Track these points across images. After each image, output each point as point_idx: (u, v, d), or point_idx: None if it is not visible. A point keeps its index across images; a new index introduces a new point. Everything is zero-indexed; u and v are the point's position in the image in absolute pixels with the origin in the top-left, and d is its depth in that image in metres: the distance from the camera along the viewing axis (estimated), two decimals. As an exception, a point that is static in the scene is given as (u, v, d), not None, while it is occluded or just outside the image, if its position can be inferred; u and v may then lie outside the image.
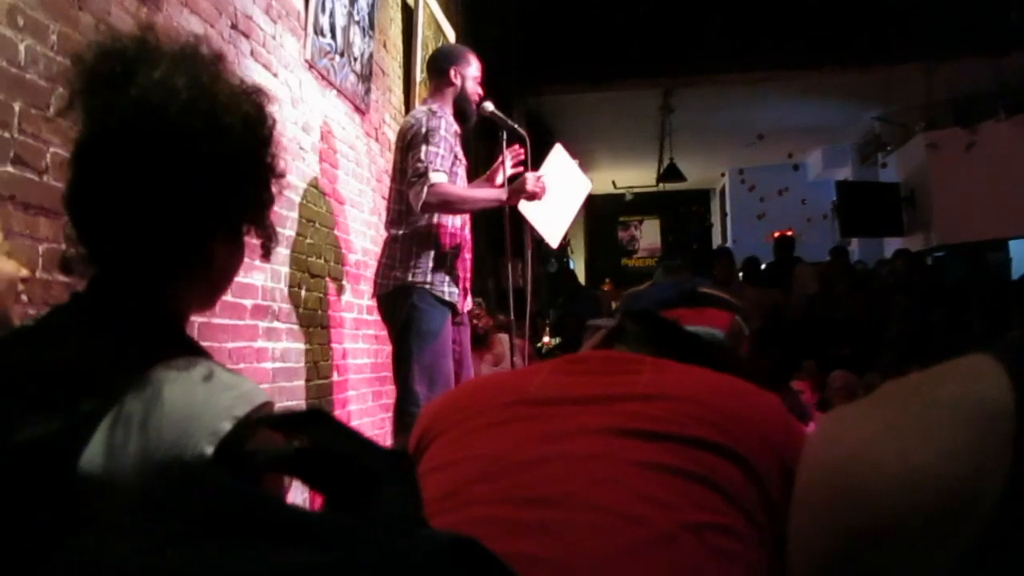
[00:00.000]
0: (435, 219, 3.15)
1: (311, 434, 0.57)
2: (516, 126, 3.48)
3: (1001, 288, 7.36)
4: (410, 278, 3.10)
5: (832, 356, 6.63)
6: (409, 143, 3.13)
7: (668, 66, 7.68)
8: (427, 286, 3.10)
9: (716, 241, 13.25)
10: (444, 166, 3.06)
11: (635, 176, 11.55)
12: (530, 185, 3.16)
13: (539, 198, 3.21)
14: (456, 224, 3.22)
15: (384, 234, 3.32)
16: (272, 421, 0.59)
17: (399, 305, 3.12)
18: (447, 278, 3.15)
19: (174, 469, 0.79)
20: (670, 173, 9.36)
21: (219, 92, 0.97)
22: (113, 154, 0.93)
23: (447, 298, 3.14)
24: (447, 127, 3.13)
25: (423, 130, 3.10)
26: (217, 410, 0.86)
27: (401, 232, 3.17)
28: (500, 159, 3.38)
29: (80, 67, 0.96)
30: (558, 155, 3.49)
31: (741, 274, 8.47)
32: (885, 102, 8.87)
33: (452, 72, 3.29)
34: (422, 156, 3.04)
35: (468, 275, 3.31)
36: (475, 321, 4.94)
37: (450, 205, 3.11)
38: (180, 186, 0.94)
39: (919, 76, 7.64)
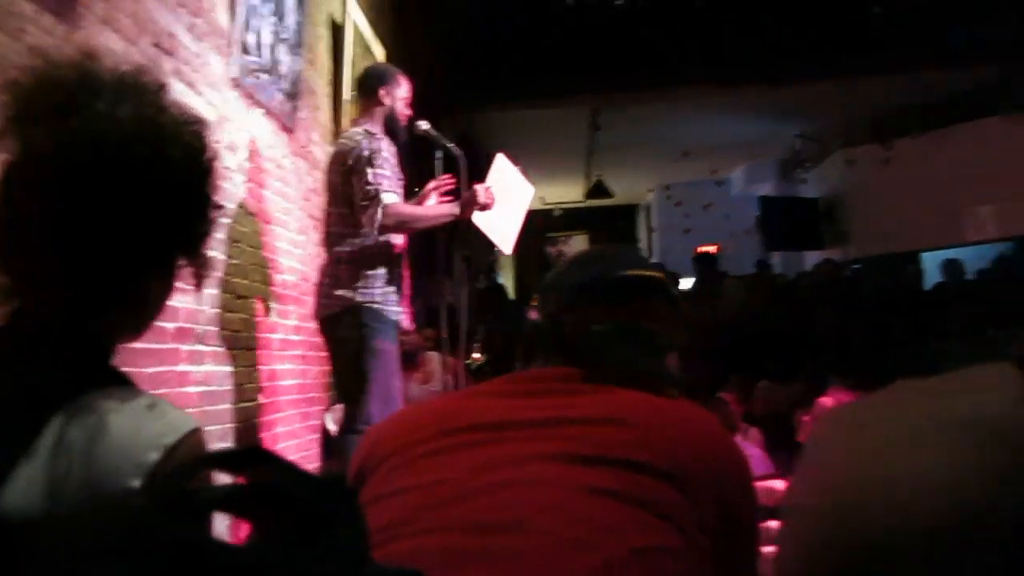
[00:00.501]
0: (381, 239, 3.15)
1: (254, 472, 0.55)
2: (450, 145, 3.49)
3: (915, 298, 7.64)
4: (359, 298, 3.10)
5: (758, 368, 6.78)
6: (352, 167, 3.13)
7: (595, 85, 7.79)
8: (376, 306, 3.11)
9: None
10: (392, 187, 3.09)
11: (563, 192, 11.65)
12: (481, 197, 3.23)
13: (490, 208, 3.27)
14: (399, 243, 3.23)
15: (317, 254, 3.30)
16: (215, 460, 0.57)
17: (349, 325, 3.11)
18: (394, 297, 3.17)
19: (111, 507, 0.76)
20: (597, 190, 9.47)
21: (163, 123, 0.95)
22: (50, 184, 0.90)
23: (394, 317, 3.16)
24: (388, 148, 3.15)
25: (365, 153, 3.10)
26: (144, 440, 0.83)
27: (346, 252, 3.16)
28: (431, 186, 3.40)
29: (17, 95, 0.92)
30: (501, 163, 3.54)
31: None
32: (805, 119, 9.14)
33: (382, 92, 3.30)
34: (370, 179, 3.06)
35: (406, 293, 3.32)
36: (403, 339, 4.91)
37: (406, 224, 3.15)
38: (122, 220, 0.91)
39: (837, 94, 7.89)
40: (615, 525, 0.90)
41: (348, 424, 3.13)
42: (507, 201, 3.50)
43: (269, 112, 3.66)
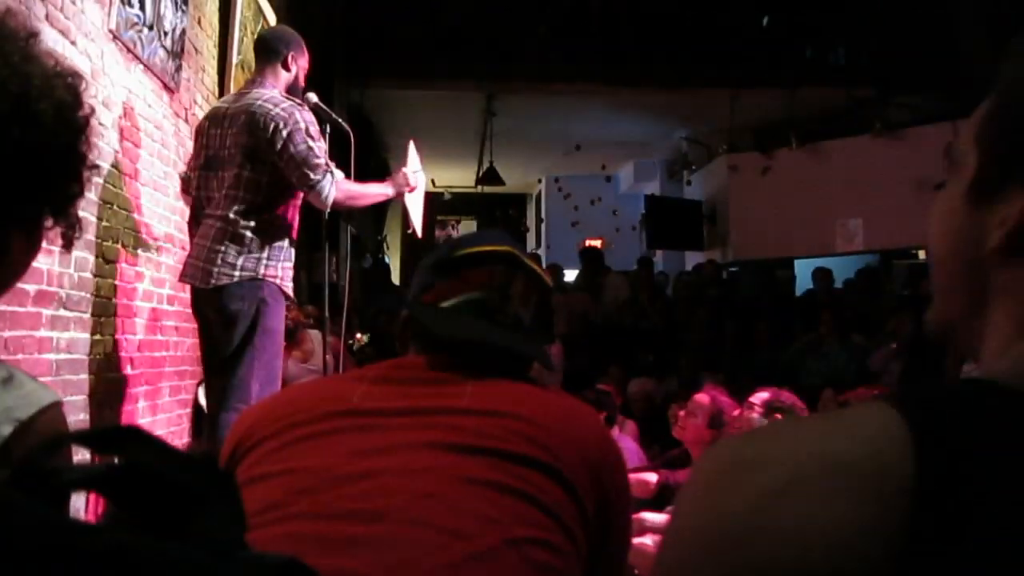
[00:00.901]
0: (288, 212, 3.06)
1: (124, 451, 0.50)
2: (340, 120, 3.41)
3: (787, 303, 7.98)
4: (263, 271, 2.97)
5: (636, 362, 6.95)
6: (286, 138, 2.93)
7: (493, 70, 7.80)
8: (276, 280, 3.01)
9: (531, 245, 13.55)
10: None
11: (455, 176, 11.61)
12: (411, 180, 3.31)
13: (413, 191, 3.38)
14: (297, 217, 3.14)
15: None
16: (80, 438, 0.52)
17: (246, 298, 2.94)
18: (291, 272, 3.09)
19: None
20: (489, 176, 9.47)
21: (31, 74, 0.86)
22: None
23: (288, 292, 3.09)
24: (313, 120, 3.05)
25: (302, 125, 2.95)
26: None
27: (254, 222, 2.97)
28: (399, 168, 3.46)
29: None
30: (413, 152, 3.62)
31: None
32: (693, 123, 9.39)
33: (289, 58, 3.16)
34: (318, 153, 2.94)
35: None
36: (289, 314, 4.79)
37: (353, 199, 3.15)
38: None
39: (724, 102, 8.15)
40: (492, 515, 0.90)
41: (225, 402, 2.95)
42: (419, 187, 3.55)
43: (149, 69, 3.48)
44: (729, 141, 8.93)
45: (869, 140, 7.83)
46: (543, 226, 12.66)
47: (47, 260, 2.65)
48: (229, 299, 2.95)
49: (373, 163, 9.28)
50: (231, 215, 2.99)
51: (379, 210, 10.54)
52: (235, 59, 4.51)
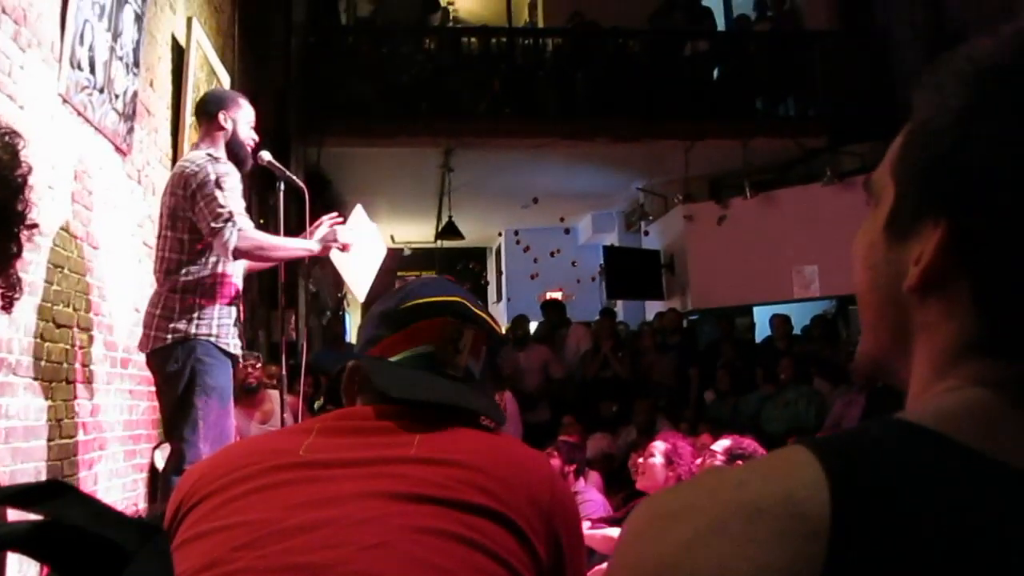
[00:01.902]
0: (219, 268, 3.03)
1: (50, 507, 0.50)
2: (294, 177, 3.42)
3: (747, 349, 8.03)
4: (194, 330, 2.95)
5: (599, 413, 6.94)
6: (196, 191, 2.98)
7: (448, 125, 7.88)
8: (212, 339, 2.97)
9: (492, 298, 13.56)
10: (243, 210, 3.00)
11: (414, 231, 11.64)
12: (341, 237, 3.20)
13: (347, 250, 3.26)
14: (238, 273, 3.12)
15: (150, 283, 3.12)
16: (4, 495, 0.51)
17: (180, 359, 2.94)
18: (231, 330, 3.05)
19: None
20: (448, 230, 9.50)
21: None
22: None
23: (231, 350, 3.04)
24: (236, 172, 3.06)
25: (212, 176, 2.98)
26: None
27: (181, 281, 3.00)
28: (316, 224, 3.33)
29: None
30: (359, 215, 3.56)
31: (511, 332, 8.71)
32: (649, 174, 9.53)
33: (222, 116, 3.18)
34: (222, 202, 2.93)
35: (242, 326, 3.22)
36: (248, 371, 4.71)
37: (263, 250, 3.05)
38: None
39: (679, 153, 8.30)
40: (442, 564, 0.89)
41: (175, 464, 2.94)
42: (362, 250, 3.49)
43: (101, 132, 3.47)
44: (685, 191, 9.06)
45: (821, 188, 7.99)
46: (503, 279, 12.70)
47: (-5, 325, 2.60)
48: (164, 361, 2.99)
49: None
50: (162, 277, 3.06)
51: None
52: (188, 120, 4.51)
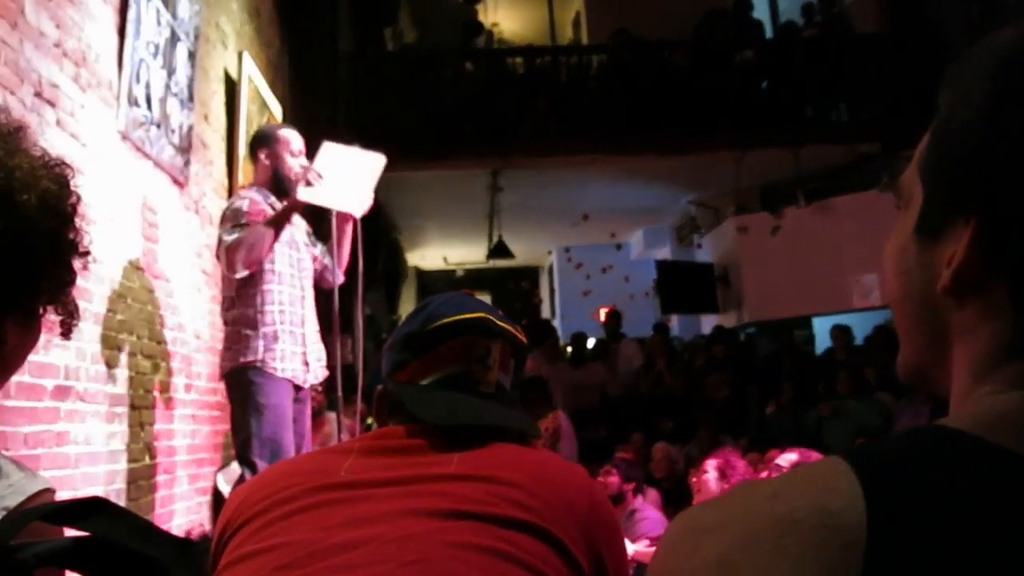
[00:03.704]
0: (258, 299, 3.13)
1: (90, 524, 0.52)
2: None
3: (807, 362, 7.89)
4: (241, 360, 3.10)
5: (656, 429, 6.88)
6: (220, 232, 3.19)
7: (495, 147, 7.91)
8: (259, 364, 3.09)
9: (545, 316, 13.57)
10: (237, 228, 3.09)
11: (465, 253, 11.71)
12: (297, 173, 3.19)
13: (312, 183, 3.15)
14: (282, 299, 3.18)
15: (210, 310, 3.29)
16: (46, 512, 0.54)
17: (238, 385, 3.12)
18: (280, 354, 3.13)
19: None
20: (499, 250, 9.55)
21: (15, 167, 0.91)
22: None
23: (281, 374, 3.13)
24: (252, 205, 3.15)
25: (227, 212, 3.17)
26: None
27: (231, 315, 3.18)
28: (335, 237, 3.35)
29: None
30: (328, 151, 3.32)
31: (569, 348, 8.69)
32: (699, 187, 9.46)
33: (263, 155, 3.31)
34: (220, 234, 3.13)
35: (308, 349, 3.27)
36: (311, 395, 4.80)
37: (252, 246, 3.06)
38: None
39: (729, 164, 8.22)
40: None
41: (236, 484, 3.05)
42: (345, 175, 3.31)
43: (158, 165, 3.59)
44: (736, 203, 8.97)
45: (877, 194, 7.82)
46: (555, 297, 12.69)
47: (63, 355, 2.71)
48: (228, 388, 3.20)
49: (384, 244, 9.40)
50: (222, 313, 3.27)
51: (392, 290, 10.62)
52: (241, 152, 4.63)
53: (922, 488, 0.48)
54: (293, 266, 3.25)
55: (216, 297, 3.91)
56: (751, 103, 8.19)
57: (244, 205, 3.13)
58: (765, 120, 8.06)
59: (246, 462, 3.06)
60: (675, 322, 10.32)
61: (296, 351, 3.19)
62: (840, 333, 7.61)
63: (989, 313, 0.54)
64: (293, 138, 3.35)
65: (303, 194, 3.16)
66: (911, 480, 0.48)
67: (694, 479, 3.48)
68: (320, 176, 3.16)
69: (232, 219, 3.10)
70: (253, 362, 3.08)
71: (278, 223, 3.13)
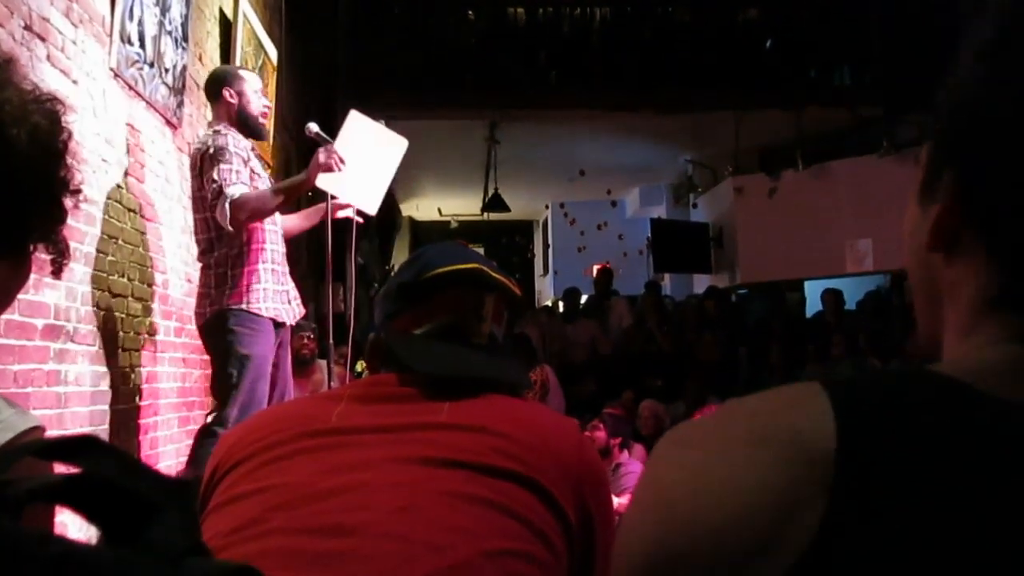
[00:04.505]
0: (244, 239, 3.11)
1: (81, 461, 0.52)
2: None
3: (797, 325, 7.93)
4: (225, 302, 3.06)
5: (645, 387, 6.93)
6: (201, 168, 3.09)
7: (494, 97, 7.84)
8: (244, 305, 3.06)
9: (538, 271, 13.57)
10: (240, 179, 3.04)
11: (461, 204, 11.67)
12: (322, 159, 3.08)
13: (335, 170, 3.10)
14: (266, 239, 3.17)
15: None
16: (36, 449, 0.53)
17: (218, 330, 3.08)
18: (264, 293, 3.11)
19: None
20: (495, 203, 9.51)
21: (5, 100, 0.89)
22: None
23: (266, 314, 3.10)
24: (235, 143, 3.10)
25: (211, 151, 3.05)
26: None
27: (213, 258, 3.13)
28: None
29: None
30: (355, 122, 3.29)
31: (561, 304, 8.71)
32: (697, 146, 9.41)
33: (227, 93, 3.24)
34: (215, 176, 3.01)
35: (288, 286, 3.26)
36: (304, 343, 4.82)
37: (257, 211, 3.07)
38: None
39: (728, 124, 8.16)
40: (468, 527, 0.90)
41: (207, 429, 3.12)
42: (367, 159, 3.30)
43: (151, 106, 3.54)
44: (735, 163, 8.93)
45: (877, 159, 7.80)
46: (550, 252, 12.69)
47: (54, 295, 2.69)
48: (207, 336, 3.17)
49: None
50: (200, 258, 3.21)
51: (386, 240, 10.59)
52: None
53: (894, 417, 0.49)
54: None
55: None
56: (753, 63, 8.10)
57: (228, 143, 3.07)
58: (767, 80, 7.98)
59: (222, 410, 3.06)
60: (667, 281, 10.34)
61: (279, 289, 3.19)
62: (832, 297, 7.64)
63: (971, 268, 0.54)
64: (254, 79, 3.35)
65: (323, 182, 3.15)
66: (884, 409, 0.50)
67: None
68: (343, 162, 3.09)
69: (219, 158, 3.03)
70: (238, 304, 3.05)
71: (286, 196, 3.12)
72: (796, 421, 0.50)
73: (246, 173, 3.09)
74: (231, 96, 3.23)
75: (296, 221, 3.48)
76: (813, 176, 8.33)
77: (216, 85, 3.28)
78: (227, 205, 2.97)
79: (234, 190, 3.00)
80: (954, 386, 0.50)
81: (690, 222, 10.09)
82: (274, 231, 3.22)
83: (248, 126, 3.23)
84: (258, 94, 3.29)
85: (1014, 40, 0.52)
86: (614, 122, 8.40)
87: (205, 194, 3.07)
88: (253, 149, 3.26)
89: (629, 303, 8.30)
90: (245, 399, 3.02)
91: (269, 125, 5.12)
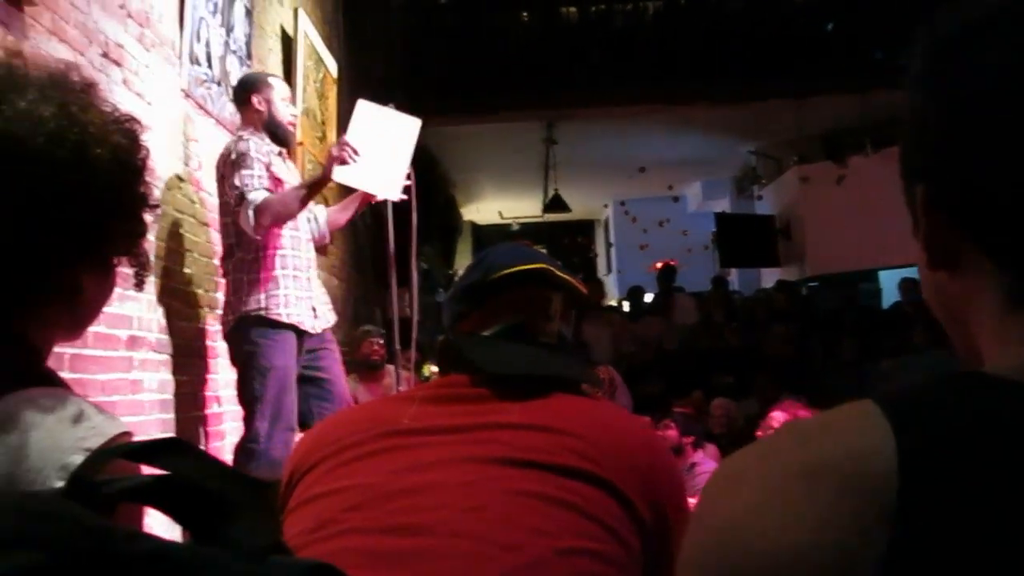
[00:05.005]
0: (260, 244, 3.04)
1: (167, 463, 0.55)
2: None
3: (872, 317, 7.73)
4: (243, 309, 2.99)
5: (714, 384, 6.84)
6: (222, 174, 3.07)
7: (549, 98, 7.83)
8: (262, 312, 2.99)
9: (600, 271, 13.52)
10: (263, 184, 2.99)
11: (521, 207, 11.70)
12: (334, 152, 3.06)
13: (349, 161, 3.06)
14: (285, 245, 3.11)
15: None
16: (126, 451, 0.56)
17: (238, 342, 3.03)
18: (283, 299, 3.04)
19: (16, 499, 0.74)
20: (555, 204, 9.51)
21: (88, 122, 0.93)
22: None
23: (287, 320, 3.02)
24: (257, 148, 3.04)
25: (232, 156, 3.03)
26: (68, 444, 0.82)
27: (232, 264, 3.08)
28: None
29: None
30: (364, 111, 3.23)
31: (627, 304, 8.65)
32: (759, 136, 9.26)
33: (255, 99, 3.20)
34: (235, 182, 2.97)
35: (316, 293, 3.21)
36: (375, 347, 4.90)
37: (280, 214, 3.00)
38: (44, 217, 0.90)
39: (790, 111, 8.01)
40: (540, 526, 0.91)
41: (243, 443, 3.04)
42: (381, 145, 3.23)
43: (220, 123, 3.65)
44: (798, 152, 8.77)
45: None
46: (612, 251, 12.62)
47: (136, 307, 2.79)
48: (231, 345, 3.11)
49: (440, 199, 9.42)
50: (221, 263, 3.16)
51: (448, 244, 10.68)
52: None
53: (958, 432, 0.47)
54: None
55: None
56: (814, 46, 7.91)
57: (249, 148, 3.03)
58: (830, 64, 7.78)
59: (248, 423, 3.01)
60: (734, 276, 10.19)
61: (302, 296, 3.10)
62: (910, 286, 7.42)
63: (976, 274, 0.54)
64: (282, 87, 3.32)
65: (338, 174, 3.08)
66: (946, 423, 0.48)
67: (761, 433, 3.46)
68: (356, 153, 3.04)
69: (241, 164, 2.99)
70: (256, 310, 2.98)
71: (307, 195, 3.07)
72: (852, 446, 0.48)
73: (267, 178, 3.04)
74: (260, 103, 3.20)
75: (336, 214, 3.46)
76: (884, 160, 8.10)
77: (245, 92, 3.26)
78: (250, 211, 2.93)
79: (256, 195, 2.95)
80: (1017, 392, 0.48)
81: (755, 215, 9.93)
82: (295, 236, 3.16)
83: (276, 133, 3.21)
84: (286, 102, 3.28)
85: (943, 69, 0.56)
86: (672, 116, 8.32)
87: (228, 199, 3.05)
88: (280, 153, 3.22)
89: (694, 299, 8.21)
90: (272, 412, 2.97)
91: (330, 132, 5.21)
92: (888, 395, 0.50)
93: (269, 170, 3.05)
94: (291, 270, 3.08)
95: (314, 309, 3.16)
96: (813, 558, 0.46)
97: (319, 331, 3.19)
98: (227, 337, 3.12)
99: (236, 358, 3.09)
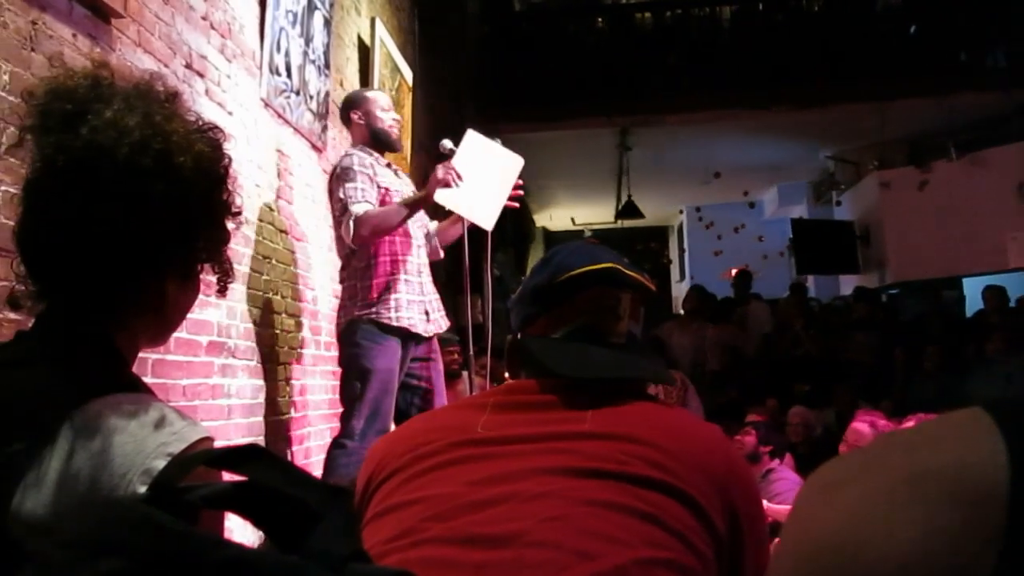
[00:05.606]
0: (372, 252, 3.18)
1: (249, 470, 0.56)
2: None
3: (956, 325, 7.48)
4: (355, 312, 3.14)
5: (790, 393, 6.70)
6: (331, 189, 3.22)
7: (623, 104, 7.80)
8: (372, 315, 3.11)
9: (674, 278, 13.37)
10: (365, 197, 3.11)
11: (593, 213, 11.66)
12: (440, 174, 3.12)
13: (451, 185, 3.14)
14: (399, 251, 3.22)
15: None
16: (209, 458, 0.58)
17: (345, 344, 3.17)
18: (394, 303, 3.14)
19: (104, 505, 0.77)
20: (628, 210, 9.44)
21: (172, 131, 0.96)
22: (62, 192, 0.92)
23: (396, 323, 3.13)
24: (360, 161, 3.18)
25: (338, 171, 3.19)
26: (151, 449, 0.84)
27: (347, 272, 3.24)
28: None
29: (32, 104, 0.95)
30: (472, 141, 3.35)
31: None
32: (838, 141, 9.06)
33: (355, 116, 3.37)
34: (340, 196, 3.12)
35: (429, 298, 3.30)
36: (454, 356, 4.95)
37: (378, 227, 3.12)
38: (130, 225, 0.92)
39: (871, 116, 7.82)
40: (618, 536, 0.90)
41: (338, 439, 3.16)
42: (483, 176, 3.32)
43: (298, 131, 3.72)
44: (880, 157, 8.54)
45: (1037, 145, 7.30)
46: (686, 257, 12.48)
47: (216, 313, 2.87)
48: (340, 345, 3.26)
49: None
50: (340, 272, 3.33)
51: (521, 251, 10.70)
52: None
53: None
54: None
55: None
56: (896, 49, 7.71)
57: (353, 163, 3.17)
58: (912, 67, 7.58)
59: (344, 421, 3.12)
60: (811, 283, 9.97)
61: (414, 299, 3.21)
62: (993, 294, 7.16)
63: None
64: (380, 97, 3.46)
65: (440, 196, 3.18)
66: None
67: (844, 447, 3.38)
68: (460, 178, 3.15)
69: (344, 177, 3.14)
70: (367, 314, 3.11)
71: (408, 213, 3.15)
72: (962, 454, 0.46)
73: (372, 190, 3.16)
74: (359, 118, 3.36)
75: (444, 231, 3.55)
76: (968, 166, 7.85)
77: (345, 111, 3.43)
78: (351, 222, 3.07)
79: (358, 208, 3.08)
80: None
81: (834, 220, 9.70)
82: (409, 242, 3.26)
83: (380, 141, 3.35)
84: (384, 110, 3.39)
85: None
86: (748, 121, 8.19)
87: (336, 212, 3.20)
88: (389, 165, 3.35)
89: (766, 306, 8.05)
90: (370, 412, 3.07)
91: (405, 140, 5.27)
92: (998, 403, 0.48)
93: (373, 181, 3.18)
94: (403, 274, 3.20)
95: (427, 313, 3.26)
96: (921, 568, 0.44)
97: (431, 335, 3.31)
98: (338, 338, 3.27)
99: (342, 358, 3.22)
